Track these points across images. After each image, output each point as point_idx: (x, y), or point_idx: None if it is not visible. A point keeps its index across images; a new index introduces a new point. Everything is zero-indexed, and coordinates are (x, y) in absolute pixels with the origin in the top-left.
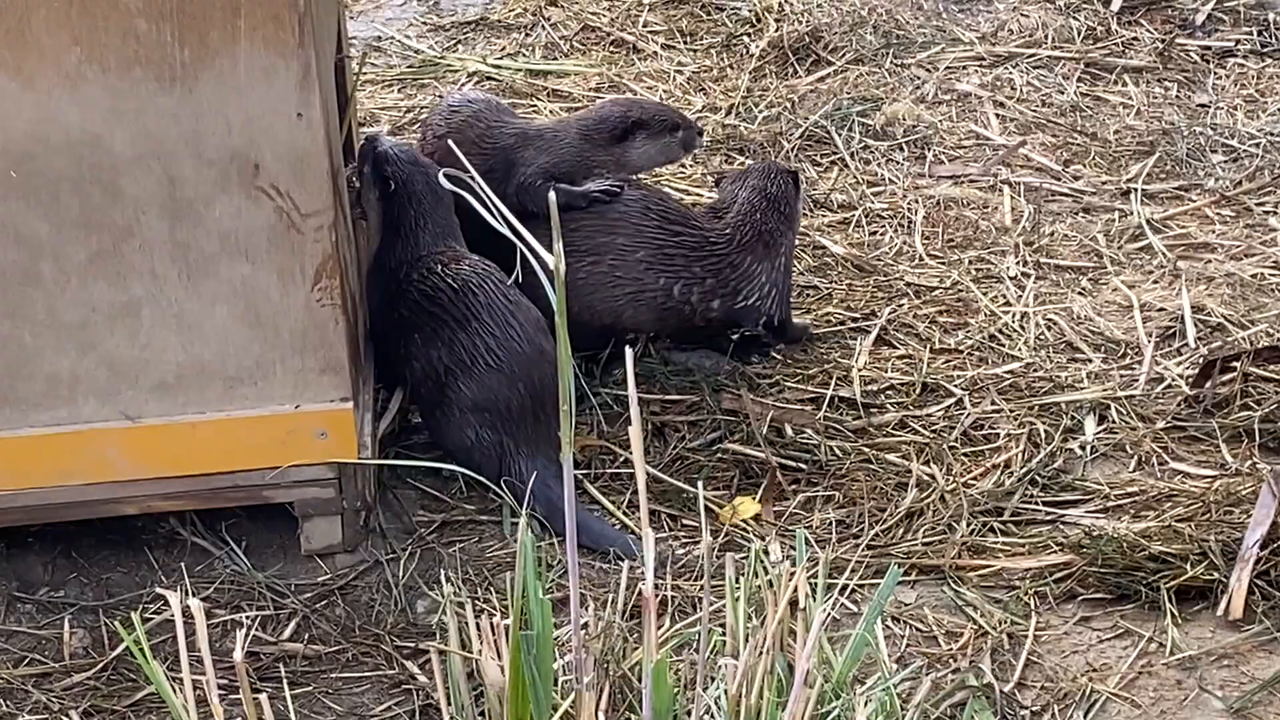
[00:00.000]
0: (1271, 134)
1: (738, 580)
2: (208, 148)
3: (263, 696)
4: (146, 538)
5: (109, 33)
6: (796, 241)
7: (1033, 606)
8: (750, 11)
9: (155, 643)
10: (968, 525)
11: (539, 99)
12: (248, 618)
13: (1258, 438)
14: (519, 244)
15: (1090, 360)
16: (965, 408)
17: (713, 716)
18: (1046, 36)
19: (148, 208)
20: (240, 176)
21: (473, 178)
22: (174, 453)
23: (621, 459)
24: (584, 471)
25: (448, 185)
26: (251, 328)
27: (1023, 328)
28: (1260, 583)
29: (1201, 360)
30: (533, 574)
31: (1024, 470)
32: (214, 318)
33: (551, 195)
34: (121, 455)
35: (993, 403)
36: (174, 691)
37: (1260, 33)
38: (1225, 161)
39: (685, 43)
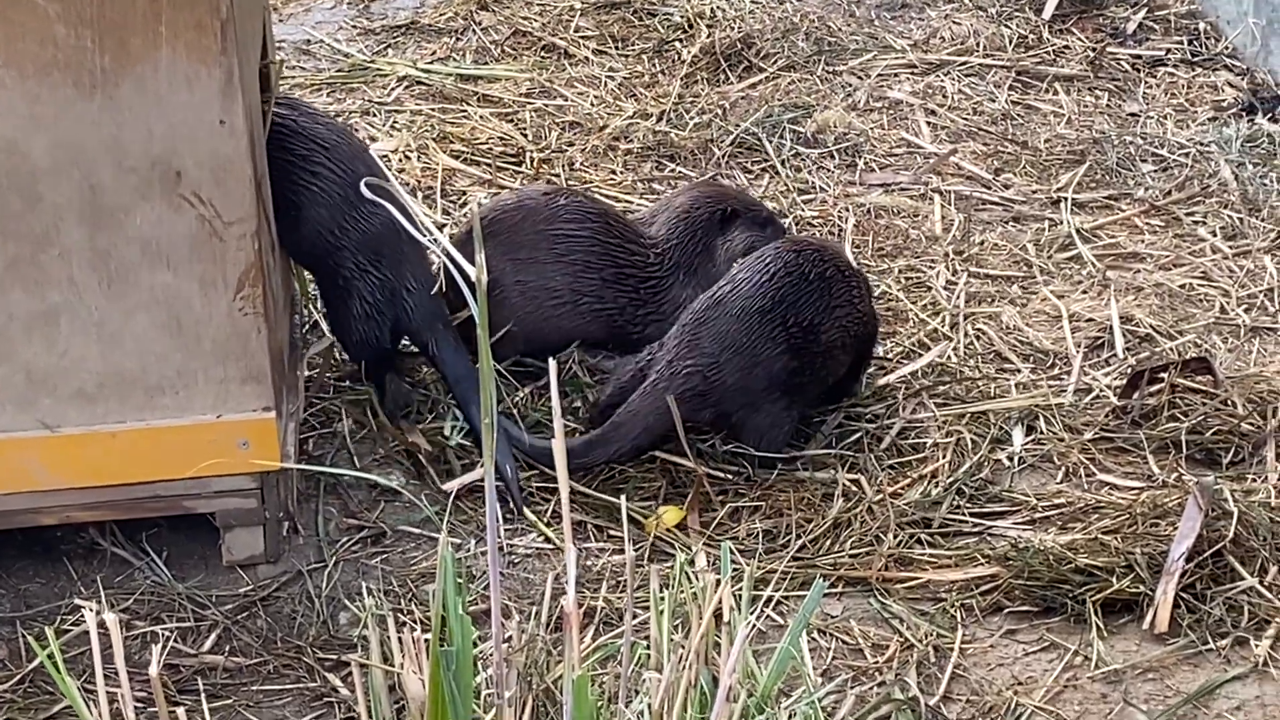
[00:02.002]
0: (1201, 143)
1: (662, 592)
2: (129, 155)
3: (180, 710)
4: (66, 548)
5: (26, 39)
6: None
7: (959, 619)
8: (682, 17)
9: (75, 654)
10: (894, 537)
11: (469, 104)
12: (168, 629)
13: (1184, 449)
14: (443, 258)
15: (1019, 370)
16: (893, 417)
17: None
18: (978, 44)
19: (67, 215)
20: (162, 184)
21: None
22: (94, 462)
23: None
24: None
25: (370, 195)
26: (173, 336)
27: (951, 337)
28: (1186, 596)
29: (1129, 371)
30: (453, 588)
31: (951, 481)
32: (134, 326)
33: (475, 204)
34: (40, 465)
35: (920, 412)
36: (89, 706)
37: (1190, 42)
38: (1155, 171)
39: (617, 48)
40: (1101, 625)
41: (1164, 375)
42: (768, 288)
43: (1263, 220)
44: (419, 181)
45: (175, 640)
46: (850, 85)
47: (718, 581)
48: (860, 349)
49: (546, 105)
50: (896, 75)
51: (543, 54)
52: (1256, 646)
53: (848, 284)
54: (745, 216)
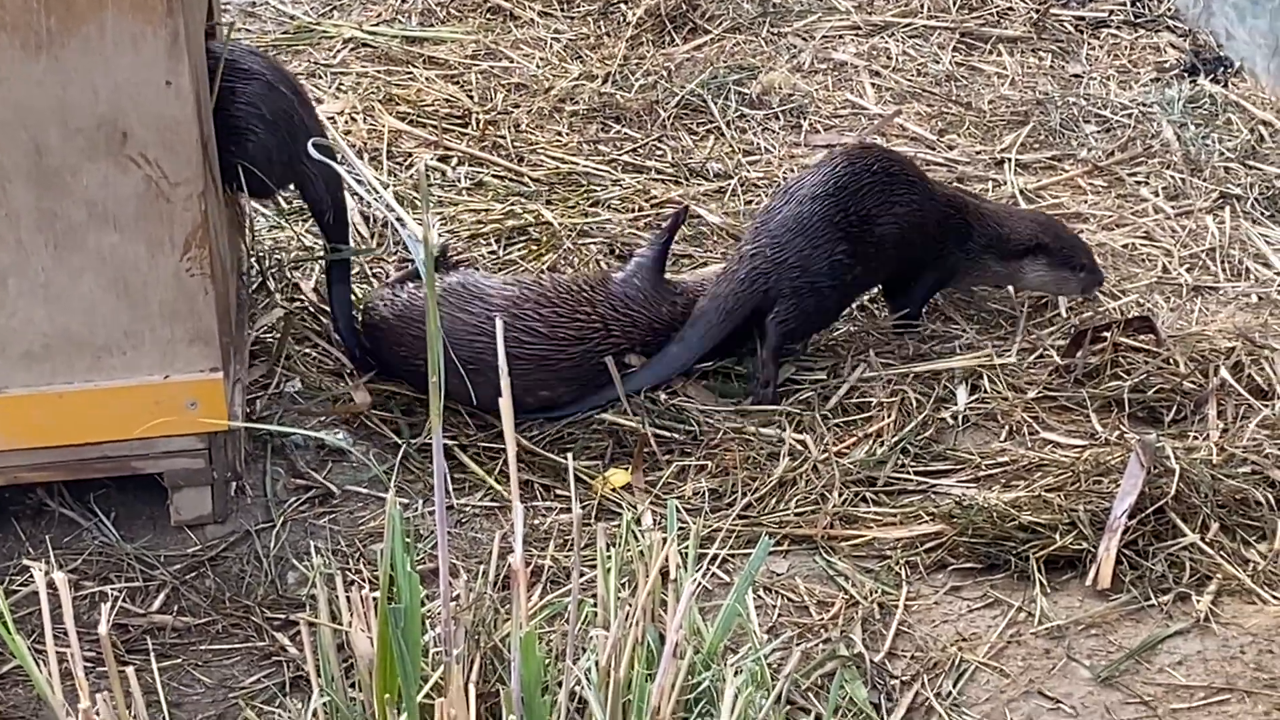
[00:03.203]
0: (1144, 104)
1: (609, 550)
2: (75, 115)
3: (129, 670)
4: (14, 509)
5: None
6: None
7: (904, 576)
8: None
9: (24, 614)
10: (840, 495)
11: (415, 66)
12: (116, 589)
13: (1127, 407)
14: (392, 218)
15: (964, 331)
16: (839, 376)
17: (582, 688)
18: (922, 6)
19: (14, 176)
20: (108, 145)
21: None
22: (41, 423)
23: (495, 428)
24: (452, 439)
25: (317, 155)
26: (120, 297)
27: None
28: (1128, 552)
29: (1073, 330)
30: (400, 546)
31: (896, 440)
32: (82, 287)
33: (422, 165)
34: None
35: (866, 372)
36: (39, 665)
37: (1133, 3)
38: (1098, 132)
39: (562, 10)
40: (1045, 581)
41: (1107, 334)
42: (830, 176)
43: (1204, 180)
44: (365, 143)
45: (124, 600)
46: (795, 47)
47: (664, 539)
48: (915, 256)
49: (492, 67)
50: (841, 37)
51: (488, 16)
52: (1198, 602)
53: (911, 189)
54: None
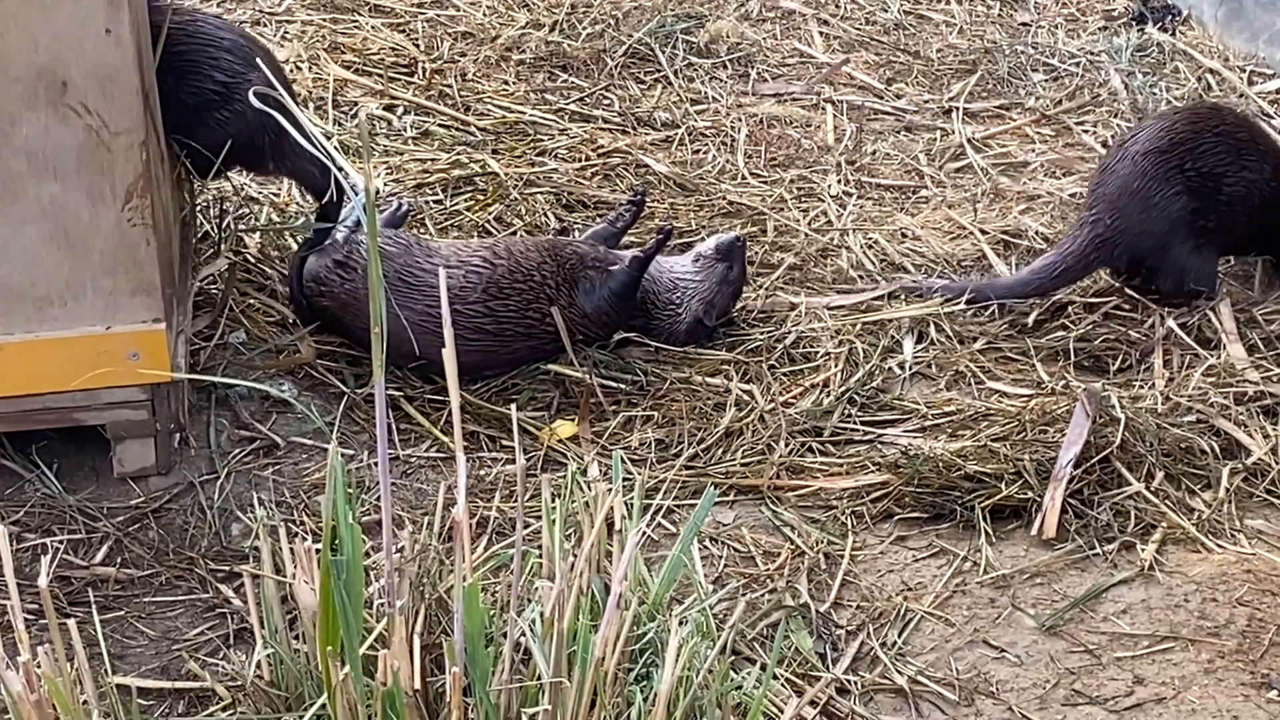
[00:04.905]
0: (1091, 53)
1: (554, 501)
2: (13, 64)
3: (71, 622)
4: None
5: None
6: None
7: (850, 526)
8: None
9: None
10: (786, 445)
11: (360, 14)
12: (58, 541)
13: (1073, 356)
14: (332, 167)
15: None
16: (787, 326)
17: (527, 639)
18: None
19: None
20: (48, 94)
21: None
22: None
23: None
24: (397, 390)
25: (257, 104)
26: (61, 248)
27: (844, 246)
28: (1073, 501)
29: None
30: (342, 498)
31: (843, 389)
32: (22, 238)
33: (364, 118)
34: None
35: (814, 321)
36: None
37: None
38: (1045, 80)
39: None
40: (990, 531)
41: None
42: (1167, 132)
43: None
44: (310, 92)
45: (66, 552)
46: None
47: (609, 490)
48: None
49: (439, 15)
50: None
51: None
52: (1142, 551)
53: (1263, 157)
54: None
